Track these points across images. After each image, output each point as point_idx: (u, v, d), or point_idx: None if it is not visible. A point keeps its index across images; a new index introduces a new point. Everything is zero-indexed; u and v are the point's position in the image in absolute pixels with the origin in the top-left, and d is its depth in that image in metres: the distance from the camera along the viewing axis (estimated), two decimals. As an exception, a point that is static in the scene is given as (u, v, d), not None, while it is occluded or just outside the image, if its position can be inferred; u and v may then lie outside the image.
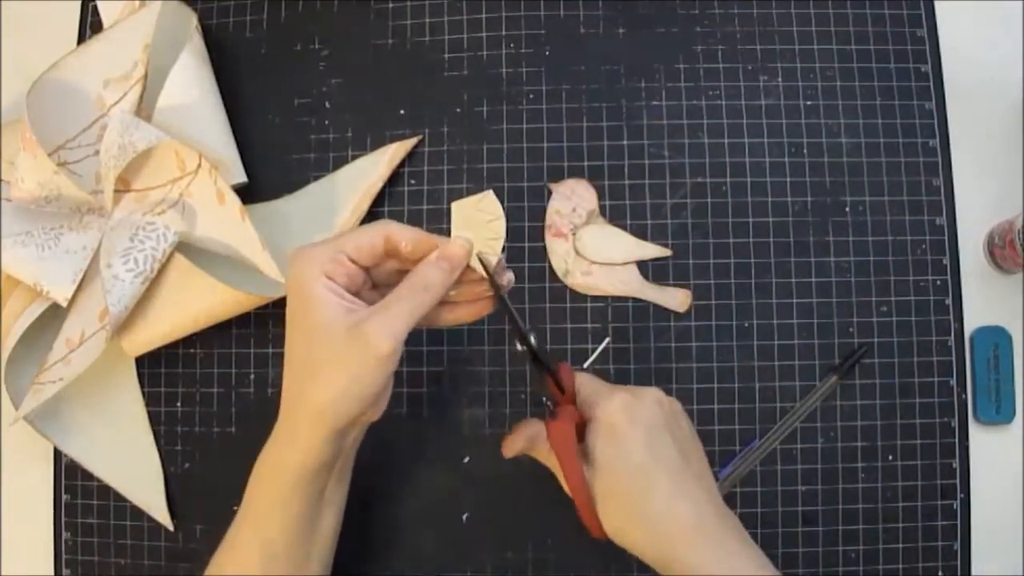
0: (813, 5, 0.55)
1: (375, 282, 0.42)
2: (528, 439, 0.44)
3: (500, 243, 0.41)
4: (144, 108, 0.53)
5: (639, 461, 0.40)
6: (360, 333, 0.37)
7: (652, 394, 0.42)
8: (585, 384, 0.44)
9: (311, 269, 0.39)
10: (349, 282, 0.40)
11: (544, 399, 0.45)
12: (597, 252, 0.54)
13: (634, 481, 0.40)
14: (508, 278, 0.42)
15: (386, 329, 0.37)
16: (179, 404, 0.55)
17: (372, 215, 0.55)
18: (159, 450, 0.55)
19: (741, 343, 0.53)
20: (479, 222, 0.41)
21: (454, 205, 0.41)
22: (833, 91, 0.55)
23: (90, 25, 0.60)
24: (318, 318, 0.38)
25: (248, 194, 0.56)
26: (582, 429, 0.42)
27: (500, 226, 0.41)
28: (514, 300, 0.54)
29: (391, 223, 0.40)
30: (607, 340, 0.53)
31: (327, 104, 0.57)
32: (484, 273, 0.41)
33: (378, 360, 0.37)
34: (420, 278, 0.39)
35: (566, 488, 0.42)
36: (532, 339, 0.41)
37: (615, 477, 0.40)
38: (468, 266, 0.41)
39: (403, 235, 0.40)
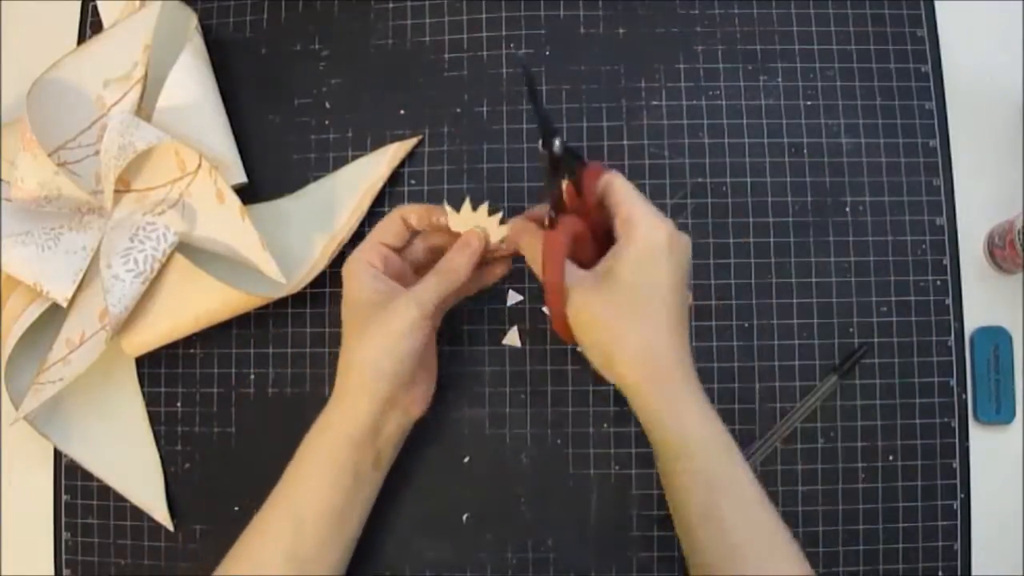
0: (813, 5, 0.55)
1: (415, 267, 0.49)
2: (523, 230, 0.46)
3: (497, 217, 0.47)
4: (144, 108, 0.53)
5: (664, 296, 0.42)
6: (393, 303, 0.44)
7: (686, 235, 0.44)
8: (619, 191, 0.44)
9: (357, 260, 0.47)
10: (386, 264, 0.47)
11: (548, 208, 0.44)
12: (597, 252, 0.54)
13: (650, 304, 0.42)
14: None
15: (415, 298, 0.44)
16: (179, 404, 0.55)
17: (372, 215, 0.55)
18: (159, 450, 0.55)
19: (741, 343, 0.53)
20: (472, 217, 0.47)
21: (452, 223, 0.47)
22: (833, 91, 0.55)
23: (90, 25, 0.60)
24: (360, 294, 0.46)
25: (248, 194, 0.56)
26: (584, 241, 0.44)
27: (485, 208, 0.47)
28: (515, 281, 0.54)
29: (402, 205, 0.48)
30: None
31: (327, 104, 0.57)
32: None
33: (409, 321, 0.43)
34: (447, 262, 0.46)
35: (545, 284, 0.43)
36: (558, 141, 0.42)
37: (634, 295, 0.42)
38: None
39: (411, 210, 0.48)
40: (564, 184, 0.43)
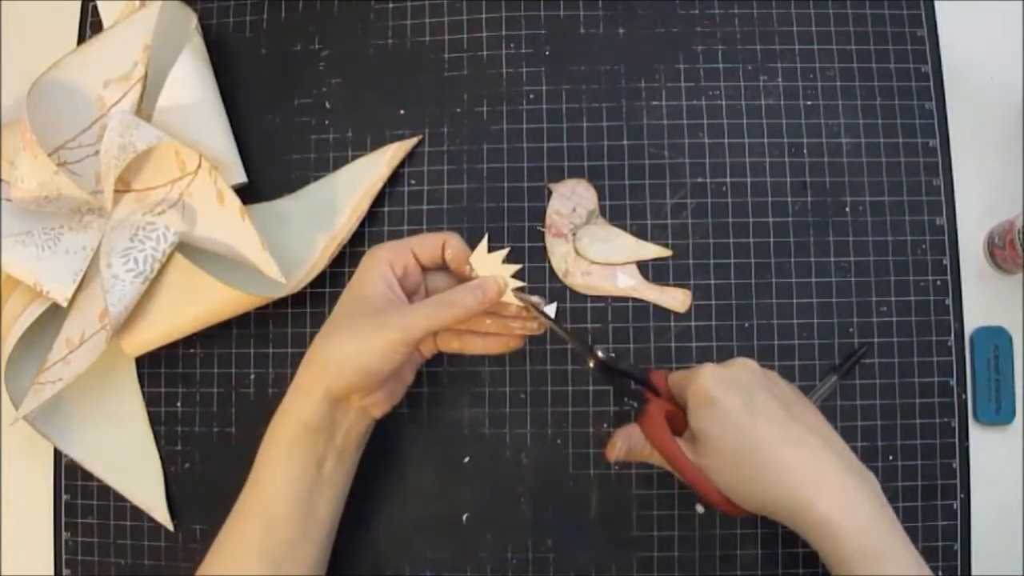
0: (813, 5, 0.55)
1: (429, 292, 0.47)
2: (626, 439, 0.45)
3: (513, 272, 0.44)
4: (144, 108, 0.53)
5: (739, 420, 0.41)
6: (384, 317, 0.43)
7: (740, 360, 0.44)
8: (672, 375, 0.46)
9: (380, 254, 0.45)
10: (405, 274, 0.45)
11: (626, 399, 0.46)
12: (597, 252, 0.54)
13: (739, 440, 0.41)
14: (540, 322, 0.45)
15: (402, 323, 0.42)
16: (179, 404, 0.55)
17: (372, 215, 0.55)
18: (159, 450, 0.55)
19: (741, 343, 0.53)
20: (495, 261, 0.44)
21: (473, 259, 0.45)
22: (833, 91, 0.55)
23: (90, 25, 0.60)
24: (363, 290, 0.44)
25: (248, 194, 0.56)
26: (676, 421, 0.44)
27: (501, 254, 0.44)
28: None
29: (455, 235, 0.46)
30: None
31: (327, 104, 0.57)
32: (522, 310, 0.44)
33: (387, 343, 0.42)
34: (448, 295, 0.43)
35: (679, 474, 0.42)
36: (601, 354, 0.44)
37: (720, 444, 0.41)
38: (503, 301, 0.44)
39: (453, 244, 0.45)
40: (640, 388, 0.46)
